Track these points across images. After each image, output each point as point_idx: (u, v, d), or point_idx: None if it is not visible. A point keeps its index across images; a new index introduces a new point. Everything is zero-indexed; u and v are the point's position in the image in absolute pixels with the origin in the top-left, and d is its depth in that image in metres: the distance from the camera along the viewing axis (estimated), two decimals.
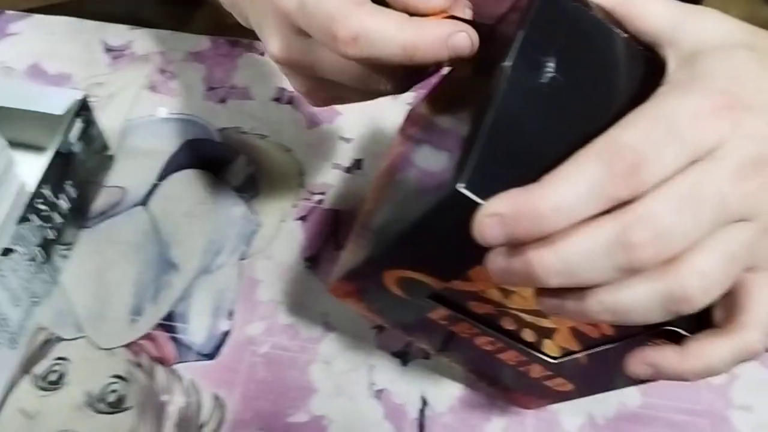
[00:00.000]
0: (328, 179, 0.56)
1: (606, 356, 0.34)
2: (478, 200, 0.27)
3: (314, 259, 0.52)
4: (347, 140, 0.58)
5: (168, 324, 0.49)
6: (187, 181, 0.55)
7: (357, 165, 0.57)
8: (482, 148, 0.28)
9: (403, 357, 0.48)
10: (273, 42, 0.34)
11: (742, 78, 0.29)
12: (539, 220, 0.26)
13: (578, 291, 0.28)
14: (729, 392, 0.47)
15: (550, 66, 0.31)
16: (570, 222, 0.26)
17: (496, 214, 0.26)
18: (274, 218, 0.54)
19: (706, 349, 0.31)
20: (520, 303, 0.34)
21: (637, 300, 0.27)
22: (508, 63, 0.30)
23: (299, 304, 0.50)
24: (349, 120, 0.59)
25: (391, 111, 0.59)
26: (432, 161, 0.32)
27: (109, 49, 0.63)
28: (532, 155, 0.28)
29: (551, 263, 0.26)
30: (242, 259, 0.52)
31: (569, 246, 0.26)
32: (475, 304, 0.36)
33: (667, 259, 0.27)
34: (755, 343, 0.30)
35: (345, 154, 0.57)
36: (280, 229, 0.53)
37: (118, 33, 0.64)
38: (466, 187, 0.27)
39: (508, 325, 0.36)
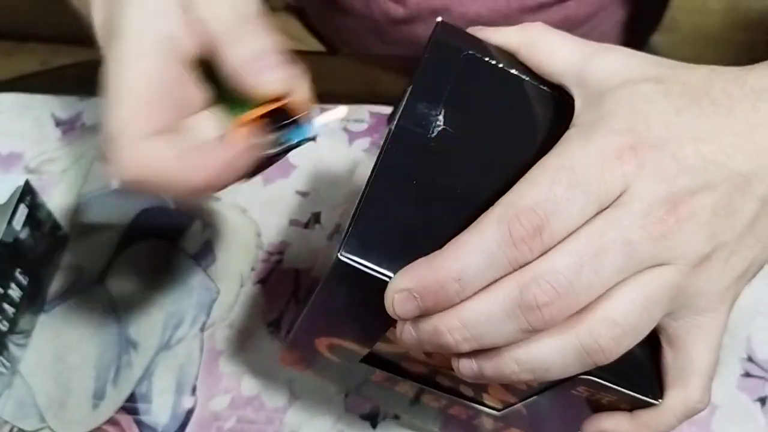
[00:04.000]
0: (287, 237, 0.55)
1: (540, 405, 0.34)
2: (363, 266, 0.27)
3: (277, 323, 0.51)
4: (304, 194, 0.57)
5: (131, 406, 0.48)
6: (144, 253, 0.54)
7: (315, 219, 0.56)
8: (361, 213, 0.28)
9: (373, 419, 0.47)
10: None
11: (647, 113, 0.28)
12: (445, 291, 0.26)
13: (491, 352, 0.27)
14: (711, 425, 0.46)
15: (439, 119, 0.30)
16: (476, 289, 0.26)
17: (403, 290, 0.26)
18: (233, 284, 0.53)
19: (653, 418, 0.30)
20: (442, 361, 0.33)
21: (551, 355, 0.27)
22: (391, 125, 0.30)
23: (263, 373, 0.49)
24: (305, 171, 0.58)
25: (347, 159, 0.58)
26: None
27: (59, 123, 0.62)
28: (421, 213, 0.28)
29: (456, 329, 0.26)
30: (203, 330, 0.51)
31: (471, 311, 0.26)
32: (408, 364, 0.35)
33: (572, 314, 0.26)
34: (697, 404, 0.30)
35: (302, 209, 0.56)
36: (240, 295, 0.52)
37: (67, 105, 0.63)
38: (346, 254, 0.27)
39: (445, 381, 0.36)
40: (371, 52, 0.70)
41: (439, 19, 0.33)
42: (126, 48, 0.30)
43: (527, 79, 0.32)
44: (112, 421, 0.48)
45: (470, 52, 0.32)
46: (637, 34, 0.72)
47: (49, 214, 0.53)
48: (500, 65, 0.32)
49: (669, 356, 0.31)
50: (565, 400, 0.32)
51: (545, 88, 0.32)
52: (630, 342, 0.27)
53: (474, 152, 0.30)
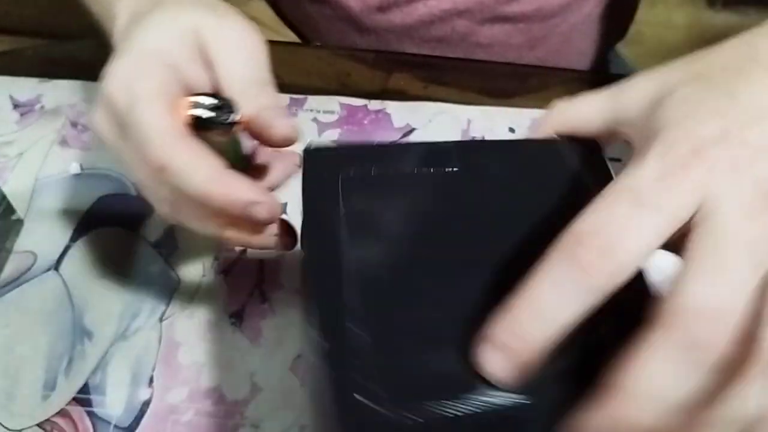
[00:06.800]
0: None
1: None
2: (373, 405, 0.25)
3: (239, 314, 0.49)
4: None
5: (83, 397, 0.46)
6: (101, 240, 0.52)
7: (282, 209, 0.54)
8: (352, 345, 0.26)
9: None
10: (99, 117, 0.35)
11: (698, 112, 0.25)
12: (528, 335, 0.24)
13: None
14: None
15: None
16: (558, 326, 0.24)
17: (493, 345, 0.24)
18: (194, 273, 0.51)
19: None
20: None
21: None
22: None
23: (224, 365, 0.47)
24: None
25: None
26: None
27: (17, 105, 0.60)
28: (406, 323, 0.27)
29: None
30: (161, 320, 0.49)
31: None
32: None
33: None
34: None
35: None
36: (202, 285, 0.50)
37: (26, 87, 0.61)
38: (360, 398, 0.24)
39: None
40: (344, 40, 0.69)
41: (304, 147, 0.33)
42: (142, 59, 0.35)
43: (419, 170, 0.31)
44: (63, 413, 0.45)
45: (345, 172, 0.31)
46: (608, 26, 0.72)
47: (3, 197, 0.51)
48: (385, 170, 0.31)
49: None
50: None
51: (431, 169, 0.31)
52: None
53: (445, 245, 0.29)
